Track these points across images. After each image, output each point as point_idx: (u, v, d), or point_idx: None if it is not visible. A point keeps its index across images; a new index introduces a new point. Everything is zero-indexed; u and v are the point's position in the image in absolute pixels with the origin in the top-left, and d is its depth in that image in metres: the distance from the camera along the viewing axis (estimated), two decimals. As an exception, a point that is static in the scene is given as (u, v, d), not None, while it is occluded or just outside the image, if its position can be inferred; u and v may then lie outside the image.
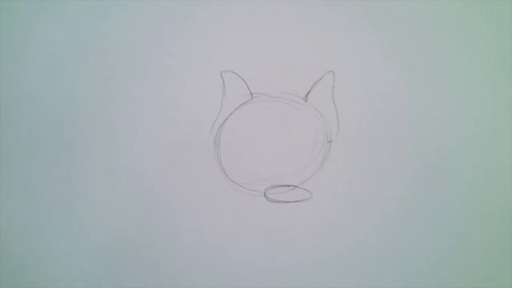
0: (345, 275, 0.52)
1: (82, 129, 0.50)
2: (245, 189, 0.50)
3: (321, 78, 0.48)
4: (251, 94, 0.49)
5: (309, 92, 0.49)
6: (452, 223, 0.50)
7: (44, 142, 0.51)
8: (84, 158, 0.51)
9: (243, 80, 0.48)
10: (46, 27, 0.49)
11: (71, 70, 0.49)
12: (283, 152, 0.50)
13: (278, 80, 0.49)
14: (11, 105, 0.50)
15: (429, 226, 0.50)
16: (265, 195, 0.50)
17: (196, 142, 0.50)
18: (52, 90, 0.50)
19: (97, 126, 0.50)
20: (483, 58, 0.47)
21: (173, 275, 0.53)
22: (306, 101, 0.49)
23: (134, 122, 0.50)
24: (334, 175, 0.50)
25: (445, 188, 0.50)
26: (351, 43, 0.48)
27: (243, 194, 0.51)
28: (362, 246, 0.51)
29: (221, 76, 0.48)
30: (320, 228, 0.51)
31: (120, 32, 0.48)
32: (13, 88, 0.50)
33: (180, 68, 0.49)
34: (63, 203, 0.52)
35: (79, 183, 0.51)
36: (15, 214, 0.53)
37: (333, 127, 0.49)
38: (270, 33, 0.48)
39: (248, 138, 0.50)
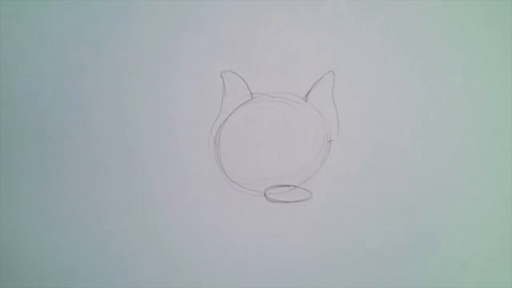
0: (345, 274, 0.52)
1: (81, 129, 0.50)
2: (245, 189, 0.50)
3: (321, 78, 0.48)
4: (251, 94, 0.49)
5: (309, 92, 0.49)
6: (452, 224, 0.50)
7: (44, 143, 0.51)
8: (83, 158, 0.51)
9: (243, 80, 0.48)
10: (47, 28, 0.49)
11: (71, 71, 0.49)
12: (283, 152, 0.50)
13: (278, 80, 0.48)
14: (11, 105, 0.50)
15: (429, 226, 0.50)
16: (265, 195, 0.50)
17: (196, 142, 0.50)
18: (52, 91, 0.50)
19: (97, 126, 0.50)
20: (483, 57, 0.47)
21: (173, 274, 0.53)
22: (306, 101, 0.49)
23: (133, 122, 0.50)
24: (334, 175, 0.50)
25: (445, 188, 0.50)
26: (351, 43, 0.48)
27: (243, 194, 0.51)
28: (362, 246, 0.51)
29: (221, 76, 0.48)
30: (320, 228, 0.51)
31: (120, 32, 0.48)
32: (13, 88, 0.50)
33: (180, 68, 0.49)
34: (64, 203, 0.52)
35: (79, 184, 0.51)
36: (14, 214, 0.53)
37: (333, 127, 0.49)
38: (270, 33, 0.48)
39: (248, 138, 0.50)
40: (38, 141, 0.51)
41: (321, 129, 0.49)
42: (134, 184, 0.51)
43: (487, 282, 0.52)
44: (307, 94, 0.49)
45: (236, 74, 0.48)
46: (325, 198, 0.50)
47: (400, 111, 0.48)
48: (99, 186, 0.51)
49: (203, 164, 0.50)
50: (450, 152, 0.49)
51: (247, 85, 0.49)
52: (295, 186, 0.50)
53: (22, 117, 0.50)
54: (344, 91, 0.48)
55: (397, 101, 0.48)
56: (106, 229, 0.52)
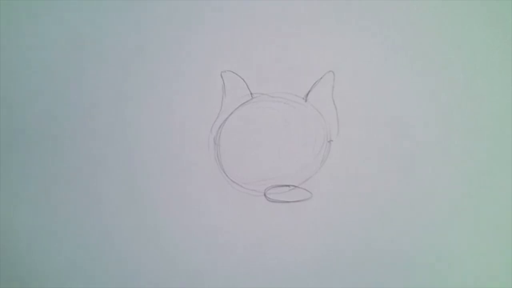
0: (345, 275, 0.52)
1: (81, 129, 0.50)
2: (245, 189, 0.50)
3: (321, 78, 0.48)
4: (251, 94, 0.49)
5: (309, 92, 0.49)
6: (453, 224, 0.50)
7: (44, 143, 0.51)
8: (83, 158, 0.51)
9: (243, 80, 0.48)
10: (48, 28, 0.49)
11: (71, 71, 0.49)
12: (283, 152, 0.50)
13: (278, 80, 0.48)
14: (11, 105, 0.50)
15: (429, 226, 0.50)
16: (265, 195, 0.50)
17: (196, 142, 0.50)
18: (53, 91, 0.50)
19: (96, 127, 0.50)
20: (483, 57, 0.47)
21: (173, 274, 0.53)
22: (306, 101, 0.49)
23: (134, 122, 0.50)
24: (334, 175, 0.50)
25: (445, 188, 0.50)
26: (351, 43, 0.48)
27: (243, 194, 0.51)
28: (362, 246, 0.51)
29: (221, 76, 0.48)
30: (320, 228, 0.51)
31: (120, 32, 0.48)
32: (13, 88, 0.50)
33: (180, 68, 0.49)
34: (64, 203, 0.52)
35: (79, 184, 0.51)
36: (15, 214, 0.53)
37: (333, 127, 0.49)
38: (270, 33, 0.48)
39: (248, 138, 0.50)
40: (38, 141, 0.51)
41: (321, 129, 0.49)
42: (134, 184, 0.51)
43: (487, 282, 0.51)
44: (307, 94, 0.49)
45: (236, 74, 0.48)
46: (325, 198, 0.50)
47: (400, 111, 0.48)
48: (99, 186, 0.51)
49: (203, 164, 0.50)
50: (450, 152, 0.49)
51: (247, 85, 0.49)
52: (295, 186, 0.50)
53: (23, 117, 0.50)
54: (344, 91, 0.48)
55: (397, 101, 0.48)
56: (106, 229, 0.52)
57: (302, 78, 0.48)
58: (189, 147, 0.50)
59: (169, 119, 0.50)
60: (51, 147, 0.51)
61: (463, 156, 0.49)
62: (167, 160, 0.50)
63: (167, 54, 0.48)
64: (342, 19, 0.47)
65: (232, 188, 0.50)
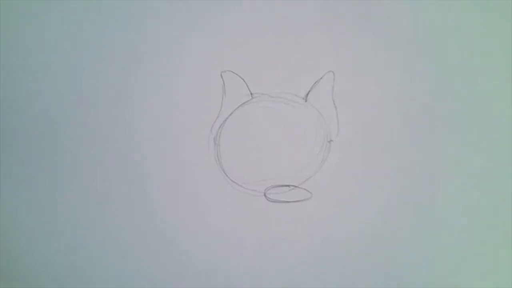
0: (345, 274, 0.52)
1: (81, 129, 0.50)
2: (245, 189, 0.50)
3: (321, 78, 0.48)
4: (251, 94, 0.49)
5: (309, 92, 0.49)
6: (451, 224, 0.50)
7: (44, 143, 0.51)
8: (83, 158, 0.51)
9: (243, 80, 0.48)
10: (49, 28, 0.49)
11: (72, 71, 0.49)
12: (283, 152, 0.50)
13: (278, 80, 0.49)
14: (11, 105, 0.50)
15: (427, 226, 0.50)
16: (265, 195, 0.50)
17: (196, 142, 0.50)
18: (53, 91, 0.50)
19: (96, 127, 0.50)
20: (483, 57, 0.47)
21: (172, 274, 0.53)
22: (306, 101, 0.49)
23: (133, 122, 0.50)
24: (334, 175, 0.50)
25: (446, 188, 0.50)
26: (351, 43, 0.48)
27: (243, 194, 0.51)
28: (362, 246, 0.51)
29: (221, 76, 0.48)
30: (320, 228, 0.51)
31: (121, 32, 0.48)
32: (14, 88, 0.50)
33: (180, 68, 0.49)
34: (64, 204, 0.52)
35: (79, 184, 0.51)
36: (15, 214, 0.53)
37: (333, 127, 0.49)
38: (270, 33, 0.48)
39: (248, 138, 0.50)
40: (38, 141, 0.51)
41: (321, 129, 0.49)
42: (134, 184, 0.51)
43: (487, 282, 0.51)
44: (307, 94, 0.49)
45: (236, 74, 0.48)
46: (325, 198, 0.50)
47: (400, 111, 0.48)
48: (99, 186, 0.51)
49: (203, 164, 0.50)
50: (451, 152, 0.49)
51: (247, 85, 0.49)
52: (295, 186, 0.50)
53: (23, 117, 0.50)
54: (344, 91, 0.48)
55: (397, 101, 0.48)
56: (106, 229, 0.52)
57: (302, 78, 0.48)
58: (189, 147, 0.50)
59: (169, 119, 0.50)
60: (51, 147, 0.51)
61: (464, 156, 0.49)
62: (167, 160, 0.50)
63: (167, 54, 0.48)
64: (342, 19, 0.47)
65: (232, 188, 0.50)
